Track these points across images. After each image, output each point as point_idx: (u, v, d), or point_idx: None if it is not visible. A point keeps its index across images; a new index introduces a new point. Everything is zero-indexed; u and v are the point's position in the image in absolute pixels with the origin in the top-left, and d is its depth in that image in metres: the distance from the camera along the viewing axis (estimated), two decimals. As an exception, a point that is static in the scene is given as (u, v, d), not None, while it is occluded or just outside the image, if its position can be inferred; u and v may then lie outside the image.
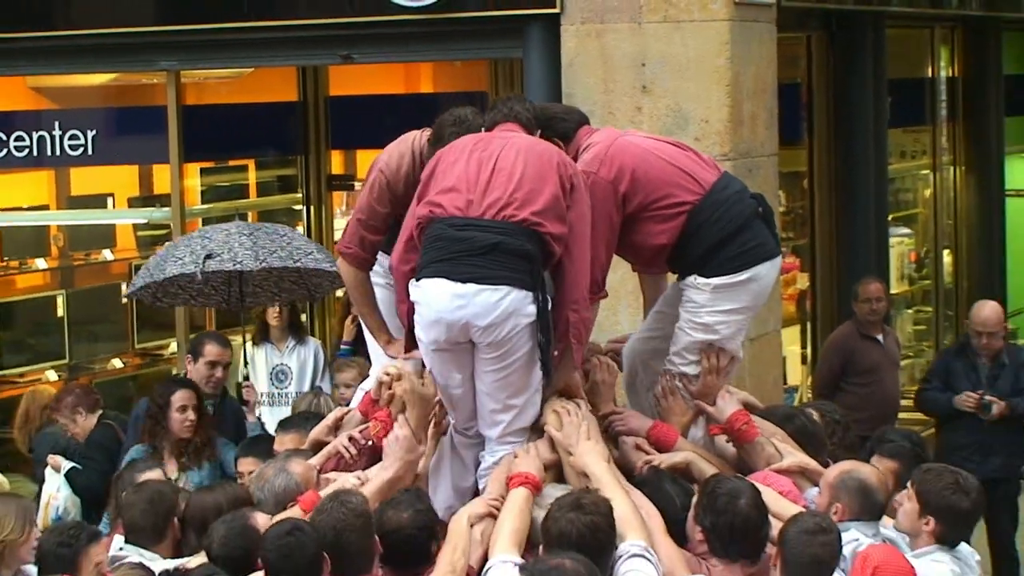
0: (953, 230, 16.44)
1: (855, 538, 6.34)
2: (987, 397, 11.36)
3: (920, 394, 11.86)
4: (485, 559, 6.05)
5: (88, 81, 13.85)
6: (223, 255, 9.98)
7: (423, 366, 6.73)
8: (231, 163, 15.14)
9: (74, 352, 14.37)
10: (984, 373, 11.52)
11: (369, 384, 7.28)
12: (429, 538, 6.12)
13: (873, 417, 11.34)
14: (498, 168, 6.48)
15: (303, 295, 11.26)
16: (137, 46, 12.39)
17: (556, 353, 6.61)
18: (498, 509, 6.23)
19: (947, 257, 16.48)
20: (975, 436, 11.23)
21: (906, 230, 16.31)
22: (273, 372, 12.06)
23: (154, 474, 7.91)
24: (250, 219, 15.34)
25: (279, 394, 11.93)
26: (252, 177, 15.38)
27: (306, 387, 11.94)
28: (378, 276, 7.28)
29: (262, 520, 6.33)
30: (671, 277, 7.37)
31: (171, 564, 6.57)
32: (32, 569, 7.06)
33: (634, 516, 6.09)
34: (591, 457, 6.42)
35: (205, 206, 14.57)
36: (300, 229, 14.31)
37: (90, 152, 13.08)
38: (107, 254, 14.86)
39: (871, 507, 6.63)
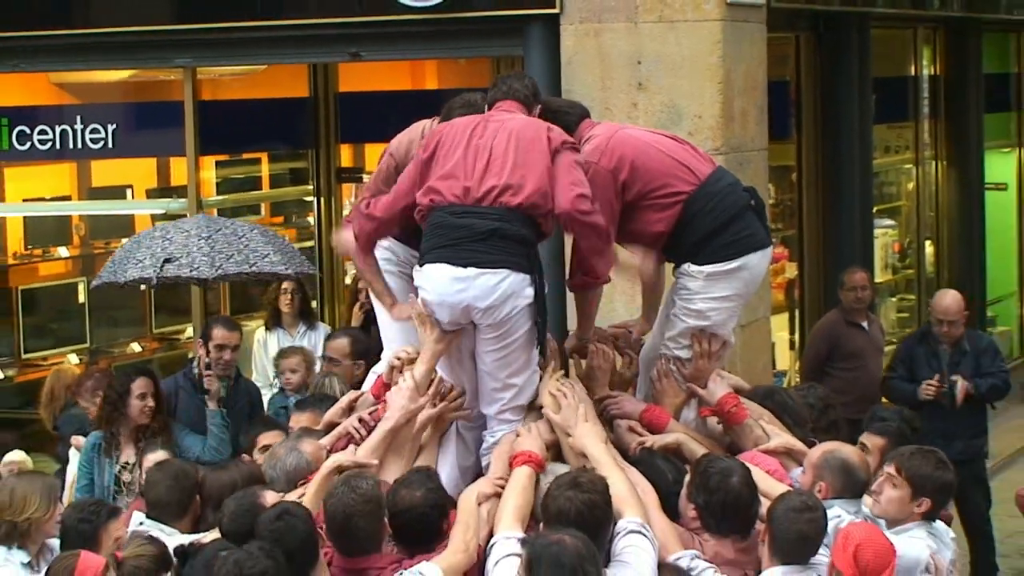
0: (935, 222, 16.45)
1: (838, 515, 6.35)
2: (952, 377, 11.32)
3: (885, 382, 11.82)
4: (491, 536, 6.06)
5: (108, 77, 13.84)
6: (181, 259, 9.93)
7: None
8: (245, 156, 15.15)
9: (95, 336, 14.40)
10: (945, 360, 11.45)
11: (381, 368, 7.28)
12: (441, 516, 6.12)
13: (858, 400, 11.34)
14: (493, 156, 6.51)
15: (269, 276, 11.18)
16: (155, 44, 12.41)
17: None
18: (503, 488, 6.24)
19: (929, 248, 16.49)
20: (938, 423, 11.17)
21: (890, 222, 16.32)
22: (285, 356, 12.07)
23: (162, 455, 7.94)
24: (263, 210, 15.45)
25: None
26: (265, 170, 15.39)
27: (316, 370, 11.95)
28: (391, 264, 7.28)
29: (271, 498, 6.34)
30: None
31: (187, 539, 6.58)
32: (55, 543, 7.09)
33: (630, 494, 6.09)
34: (589, 438, 6.43)
35: (220, 197, 14.59)
36: (311, 219, 14.35)
37: (110, 145, 13.09)
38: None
39: (853, 485, 6.64)
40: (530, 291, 6.46)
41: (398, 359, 6.94)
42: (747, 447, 6.86)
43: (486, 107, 6.92)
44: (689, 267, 6.99)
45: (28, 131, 13.10)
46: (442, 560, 5.91)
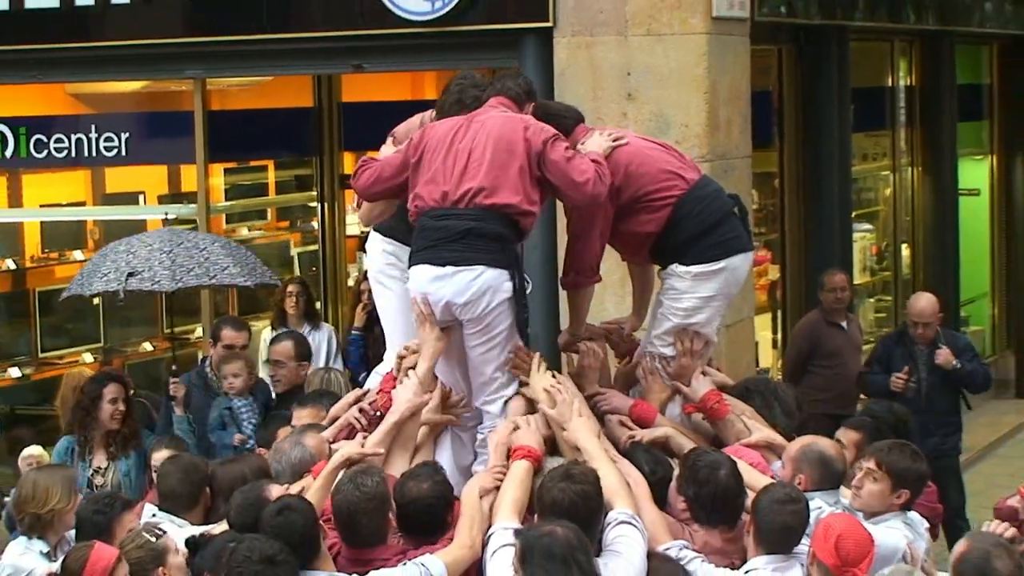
0: (911, 226, 16.45)
1: (818, 507, 6.35)
2: (940, 353, 11.24)
3: (862, 377, 11.80)
4: (490, 527, 6.07)
5: (121, 88, 13.84)
6: (144, 273, 9.93)
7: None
8: (252, 163, 15.14)
9: (108, 336, 14.39)
10: (922, 360, 11.41)
11: (384, 368, 7.28)
12: (446, 507, 6.13)
13: (837, 396, 11.38)
14: (471, 159, 6.56)
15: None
16: (166, 56, 12.41)
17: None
18: (503, 480, 6.23)
19: (905, 251, 16.50)
20: (915, 418, 11.17)
21: (868, 226, 16.33)
22: (290, 355, 12.06)
23: (167, 452, 7.94)
24: (269, 215, 15.45)
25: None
26: (271, 176, 15.39)
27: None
28: (395, 269, 7.29)
29: (276, 492, 6.34)
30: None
31: (198, 531, 6.58)
32: (72, 534, 7.09)
33: (621, 486, 6.10)
34: (583, 432, 6.44)
35: (228, 203, 14.60)
36: (315, 224, 14.34)
37: (123, 153, 13.09)
38: (138, 246, 14.84)
39: (831, 477, 6.65)
40: (508, 285, 6.52)
41: (405, 351, 6.95)
42: (729, 441, 6.88)
43: (481, 98, 6.94)
44: (676, 268, 7.03)
45: (45, 139, 13.10)
46: (446, 554, 5.92)
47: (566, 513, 5.75)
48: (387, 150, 7.17)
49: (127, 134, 13.05)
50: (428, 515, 6.07)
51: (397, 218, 7.16)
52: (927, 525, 6.81)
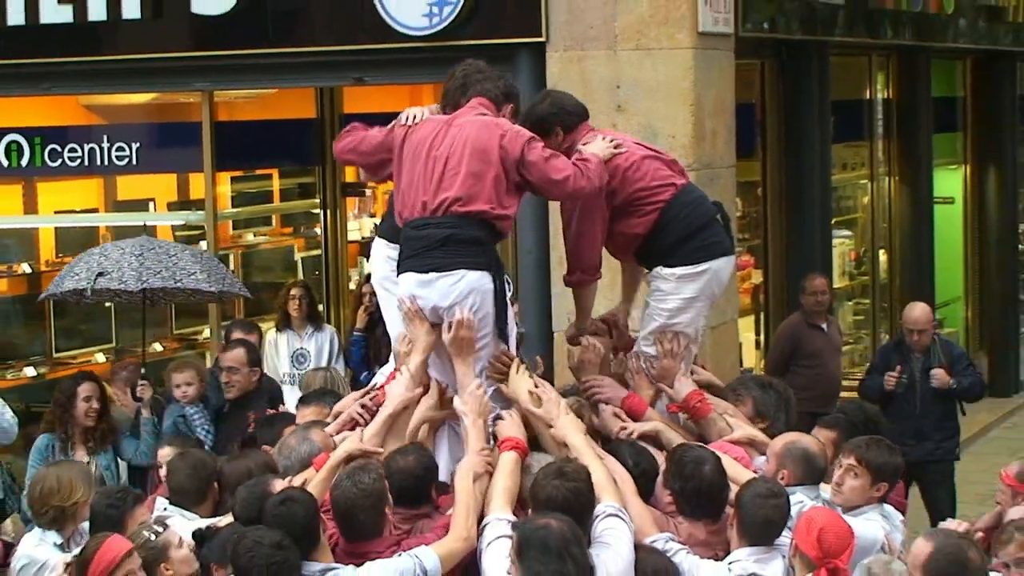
0: (888, 233, 16.45)
1: (800, 501, 6.36)
2: (935, 376, 11.25)
3: (862, 383, 11.84)
4: (481, 515, 6.06)
5: (133, 100, 13.83)
6: (113, 274, 9.93)
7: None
8: (257, 172, 15.12)
9: (120, 337, 14.36)
10: (918, 367, 11.45)
11: (390, 367, 7.28)
12: (430, 478, 6.19)
13: (818, 396, 11.36)
14: (448, 167, 6.57)
15: (212, 298, 11.14)
16: (175, 69, 12.41)
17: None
18: (491, 462, 6.22)
19: (883, 256, 16.50)
20: (911, 423, 11.18)
21: (847, 232, 16.33)
22: (294, 355, 12.08)
23: (170, 450, 7.94)
24: (274, 222, 15.44)
25: (299, 375, 11.93)
26: (276, 184, 15.37)
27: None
28: (396, 275, 7.29)
29: (279, 486, 6.35)
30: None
31: (205, 523, 6.57)
32: (86, 526, 7.08)
33: (608, 481, 6.10)
34: (570, 430, 6.43)
35: (235, 210, 14.60)
36: (318, 230, 14.33)
37: (134, 162, 13.07)
38: (148, 251, 14.83)
39: (813, 473, 6.66)
40: (490, 285, 6.54)
41: (401, 342, 6.96)
42: (712, 439, 6.88)
43: (462, 98, 6.92)
44: (662, 270, 7.07)
45: (59, 149, 13.08)
46: (440, 546, 5.91)
47: (560, 508, 5.76)
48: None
49: (138, 144, 13.03)
50: (415, 484, 6.13)
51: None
52: (902, 517, 6.82)
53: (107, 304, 13.48)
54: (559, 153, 6.75)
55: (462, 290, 6.51)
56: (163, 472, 7.64)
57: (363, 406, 6.95)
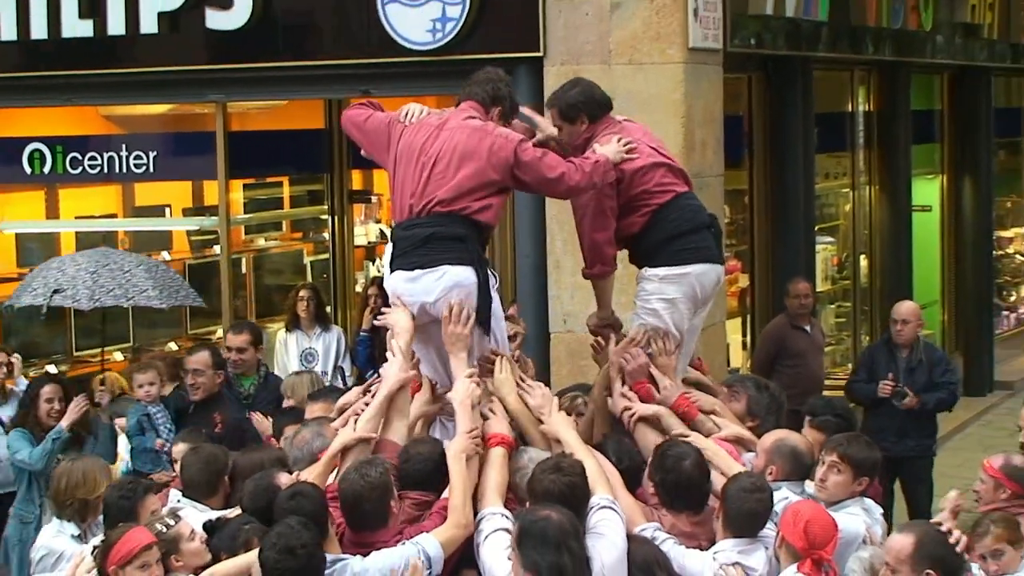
0: (868, 239, 16.43)
1: (785, 496, 6.35)
2: (902, 387, 11.29)
3: (849, 385, 11.82)
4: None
5: (150, 110, 13.82)
6: (67, 291, 9.92)
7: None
8: (269, 179, 15.14)
9: (137, 336, 14.36)
10: (903, 365, 11.44)
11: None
12: (443, 463, 6.16)
13: (801, 393, 11.20)
14: (435, 170, 6.56)
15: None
16: (190, 81, 12.38)
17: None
18: (479, 444, 6.18)
19: (863, 261, 16.47)
20: (893, 421, 11.19)
21: (829, 238, 16.31)
22: (303, 354, 12.07)
23: (184, 446, 7.92)
24: (284, 227, 15.44)
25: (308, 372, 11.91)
26: (286, 191, 15.38)
27: (330, 367, 11.94)
28: None
29: (285, 479, 6.35)
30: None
31: (215, 515, 6.55)
32: (101, 517, 7.06)
33: (600, 475, 6.09)
34: (562, 426, 6.42)
35: (247, 215, 14.61)
36: (326, 235, 14.31)
37: (151, 170, 13.05)
38: (165, 255, 14.81)
39: (800, 469, 6.65)
40: (473, 279, 6.52)
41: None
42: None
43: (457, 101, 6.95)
44: (647, 270, 7.06)
45: (80, 157, 13.06)
46: (440, 533, 5.89)
47: (557, 501, 5.74)
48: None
49: (155, 152, 13.01)
50: (429, 468, 6.12)
51: None
52: (881, 511, 6.80)
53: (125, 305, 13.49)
54: (548, 151, 6.72)
55: (446, 285, 6.50)
56: (177, 466, 7.63)
57: (366, 404, 6.91)
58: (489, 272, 6.67)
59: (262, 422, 9.26)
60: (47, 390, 9.59)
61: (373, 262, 14.86)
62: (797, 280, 12.25)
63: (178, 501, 6.94)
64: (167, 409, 9.75)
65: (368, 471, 5.99)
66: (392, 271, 6.66)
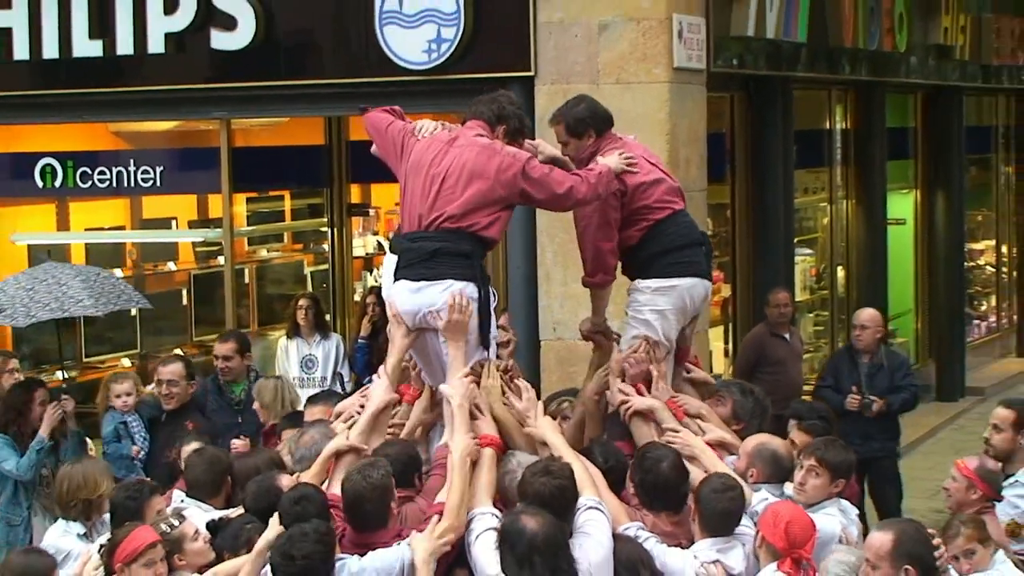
0: (845, 251, 16.45)
1: (764, 497, 6.34)
2: (869, 397, 11.28)
3: (817, 391, 11.81)
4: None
5: (157, 127, 13.82)
6: (7, 310, 9.93)
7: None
8: (271, 193, 15.12)
9: (144, 343, 14.34)
10: (864, 371, 11.43)
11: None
12: (414, 467, 6.20)
13: (780, 399, 11.22)
14: (444, 186, 6.51)
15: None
16: (196, 99, 12.39)
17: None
18: (479, 446, 6.16)
19: (840, 272, 16.49)
20: (858, 425, 11.18)
21: (808, 250, 16.31)
22: (303, 361, 12.05)
23: (195, 446, 7.89)
24: (285, 239, 15.43)
25: (307, 378, 11.93)
26: (287, 205, 15.37)
27: (329, 373, 11.92)
28: None
29: (285, 481, 6.33)
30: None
31: (218, 515, 6.53)
32: (107, 516, 7.04)
33: (586, 476, 6.08)
34: (547, 429, 6.41)
35: (249, 228, 14.59)
36: (325, 247, 14.29)
37: (158, 184, 13.04)
38: (171, 265, 14.83)
39: (779, 472, 6.65)
40: (475, 294, 6.49)
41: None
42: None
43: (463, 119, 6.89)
44: (639, 282, 7.05)
45: (89, 171, 13.05)
46: (436, 532, 5.87)
47: (546, 504, 5.76)
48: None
49: (161, 167, 13.01)
50: (400, 471, 6.10)
51: None
52: (857, 512, 6.80)
53: (132, 313, 13.48)
54: (553, 166, 6.69)
55: (448, 298, 6.44)
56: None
57: (362, 406, 6.90)
58: (490, 291, 6.63)
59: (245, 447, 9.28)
60: (40, 393, 9.56)
61: (371, 272, 14.86)
62: (777, 290, 12.24)
63: (182, 501, 6.93)
64: (141, 418, 9.75)
65: (370, 472, 5.98)
66: (395, 280, 6.61)
